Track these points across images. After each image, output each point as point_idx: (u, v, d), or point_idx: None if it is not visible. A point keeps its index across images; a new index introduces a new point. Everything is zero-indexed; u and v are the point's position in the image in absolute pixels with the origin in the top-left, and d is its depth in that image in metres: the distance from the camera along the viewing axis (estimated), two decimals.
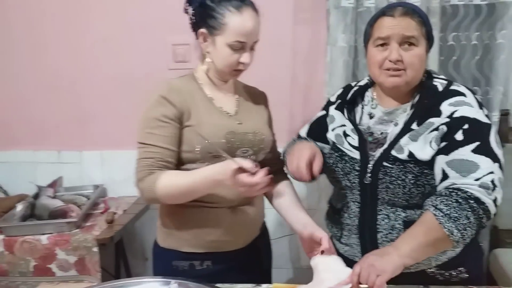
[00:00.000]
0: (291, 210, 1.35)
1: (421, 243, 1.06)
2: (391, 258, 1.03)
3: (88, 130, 2.32)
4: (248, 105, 1.41)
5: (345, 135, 1.31)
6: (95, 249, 1.79)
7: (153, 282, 1.13)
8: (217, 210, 1.30)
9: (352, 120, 1.31)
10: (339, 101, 1.39)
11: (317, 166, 1.21)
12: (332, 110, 1.39)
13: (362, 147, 1.25)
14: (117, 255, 2.05)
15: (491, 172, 1.08)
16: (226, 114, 1.33)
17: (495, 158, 1.10)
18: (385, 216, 1.22)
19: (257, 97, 1.46)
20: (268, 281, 1.43)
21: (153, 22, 2.20)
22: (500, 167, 1.11)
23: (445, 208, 1.05)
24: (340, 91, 1.43)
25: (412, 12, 1.19)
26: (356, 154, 1.25)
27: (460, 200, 1.06)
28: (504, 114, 2.03)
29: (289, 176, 1.39)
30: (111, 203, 2.17)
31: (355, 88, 1.36)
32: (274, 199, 1.40)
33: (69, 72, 2.28)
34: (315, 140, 1.39)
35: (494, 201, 1.07)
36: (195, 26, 1.31)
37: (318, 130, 1.41)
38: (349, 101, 1.35)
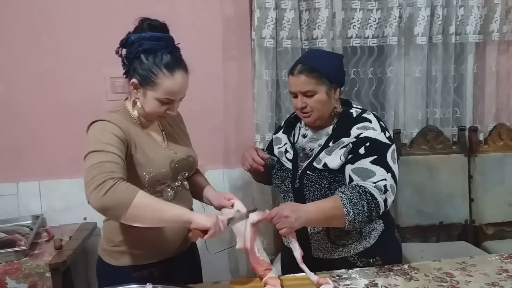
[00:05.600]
0: (207, 191, 1.60)
1: (324, 215, 1.36)
2: (301, 219, 1.32)
3: (24, 161, 2.33)
4: (172, 134, 1.54)
5: (285, 151, 1.64)
6: (48, 274, 1.84)
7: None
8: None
9: (290, 140, 1.64)
10: (285, 125, 1.73)
11: (262, 153, 1.57)
12: (280, 133, 1.72)
13: (294, 160, 1.58)
14: (64, 282, 2.08)
15: (384, 179, 1.41)
16: (162, 146, 1.46)
17: (388, 169, 1.43)
18: None
19: (173, 119, 1.57)
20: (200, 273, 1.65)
21: (91, 56, 2.28)
22: (393, 177, 1.44)
23: (349, 194, 1.37)
24: (287, 117, 1.78)
25: (308, 69, 1.48)
26: (290, 165, 1.58)
27: (360, 192, 1.38)
28: (396, 132, 2.48)
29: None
30: (54, 231, 2.20)
31: (295, 114, 1.69)
32: (196, 188, 1.61)
33: (3, 104, 2.30)
34: (270, 154, 1.72)
35: (385, 201, 1.40)
36: (127, 73, 1.39)
37: (270, 148, 1.76)
38: (289, 124, 1.68)
